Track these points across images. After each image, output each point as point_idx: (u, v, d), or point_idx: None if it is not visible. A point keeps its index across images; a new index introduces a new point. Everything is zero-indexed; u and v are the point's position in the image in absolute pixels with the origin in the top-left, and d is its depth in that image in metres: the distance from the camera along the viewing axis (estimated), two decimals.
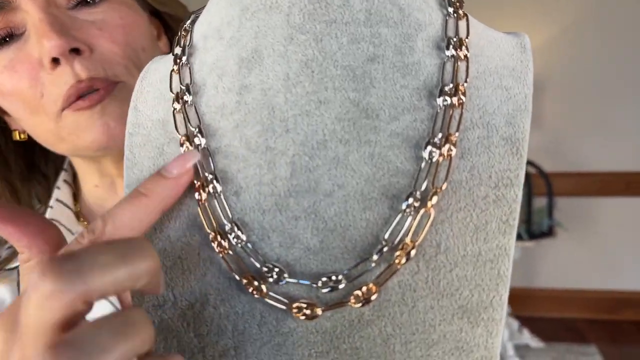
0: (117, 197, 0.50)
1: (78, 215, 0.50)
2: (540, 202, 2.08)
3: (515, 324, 2.09)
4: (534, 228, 2.04)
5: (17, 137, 0.48)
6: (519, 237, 1.98)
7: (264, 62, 0.28)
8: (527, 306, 2.40)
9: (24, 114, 0.44)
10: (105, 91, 0.42)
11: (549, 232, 2.07)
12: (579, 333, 2.29)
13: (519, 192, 0.26)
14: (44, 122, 0.44)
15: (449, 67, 0.27)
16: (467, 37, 0.28)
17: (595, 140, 2.32)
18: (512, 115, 0.27)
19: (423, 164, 0.26)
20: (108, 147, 0.44)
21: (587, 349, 2.13)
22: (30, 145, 0.50)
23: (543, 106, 2.21)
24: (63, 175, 0.52)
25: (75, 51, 0.41)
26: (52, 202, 0.49)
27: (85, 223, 0.51)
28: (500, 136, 0.27)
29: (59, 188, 0.50)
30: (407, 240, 0.25)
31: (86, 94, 0.42)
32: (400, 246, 0.25)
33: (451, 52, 0.27)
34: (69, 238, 0.47)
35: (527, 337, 2.10)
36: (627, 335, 2.26)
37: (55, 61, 0.41)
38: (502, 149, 0.26)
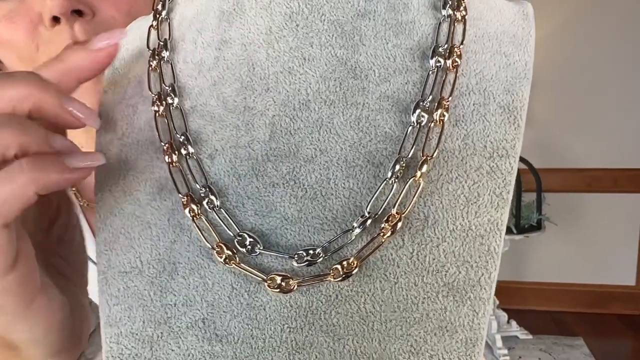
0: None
1: None
2: (529, 197, 2.09)
3: (503, 316, 2.09)
4: (523, 222, 2.05)
5: None
6: (509, 230, 1.99)
7: (245, 15, 0.25)
8: (516, 299, 2.40)
9: (19, 66, 0.44)
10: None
11: (537, 226, 2.08)
12: (567, 326, 2.29)
13: (514, 164, 0.24)
14: None
15: (444, 28, 0.25)
16: None
17: (584, 137, 2.33)
18: (511, 83, 0.25)
19: (410, 129, 0.24)
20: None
21: (574, 341, 2.13)
22: None
23: (533, 104, 2.20)
24: None
25: (78, 13, 0.41)
26: None
27: (75, 189, 0.49)
28: (498, 104, 0.25)
29: None
30: (393, 211, 0.23)
31: None
32: (385, 218, 0.23)
33: (448, 12, 0.25)
34: None
35: (516, 329, 2.11)
36: (613, 328, 2.27)
37: (55, 20, 0.40)
38: (499, 118, 0.25)
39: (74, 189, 0.49)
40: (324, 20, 0.25)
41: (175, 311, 0.25)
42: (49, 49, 0.42)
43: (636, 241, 2.37)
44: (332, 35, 0.25)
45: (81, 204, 0.49)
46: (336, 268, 0.23)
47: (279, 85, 0.25)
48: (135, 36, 0.30)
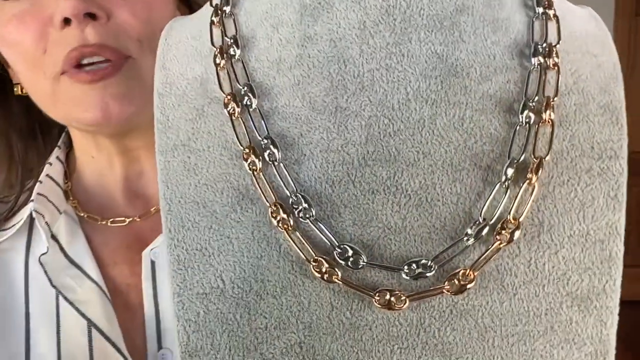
0: (116, 174, 0.47)
1: (67, 194, 0.47)
2: None
3: None
4: None
5: (19, 92, 0.46)
6: None
7: (333, 9, 0.24)
8: None
9: (24, 68, 0.42)
10: (112, 68, 0.40)
11: None
12: None
13: (624, 165, 0.23)
14: (40, 80, 0.41)
15: (537, 25, 0.24)
16: None
17: None
18: (606, 83, 0.25)
19: (518, 128, 0.22)
20: (102, 125, 0.42)
21: None
22: (33, 107, 0.47)
23: None
24: (56, 152, 0.48)
25: (91, 16, 0.39)
26: (42, 177, 0.46)
27: (75, 202, 0.47)
28: (597, 104, 0.24)
29: (50, 164, 0.47)
30: (509, 217, 0.21)
31: (91, 64, 0.40)
32: (501, 225, 0.21)
33: (541, 9, 0.24)
34: (56, 216, 0.44)
35: None
36: None
37: (67, 22, 0.39)
38: (601, 118, 0.24)
39: (74, 200, 0.47)
40: (423, 14, 0.23)
41: (267, 335, 0.22)
42: (56, 51, 0.40)
43: None
44: (432, 31, 0.23)
45: (81, 215, 0.46)
46: (452, 280, 0.21)
47: (375, 84, 0.23)
48: (182, 35, 0.28)
